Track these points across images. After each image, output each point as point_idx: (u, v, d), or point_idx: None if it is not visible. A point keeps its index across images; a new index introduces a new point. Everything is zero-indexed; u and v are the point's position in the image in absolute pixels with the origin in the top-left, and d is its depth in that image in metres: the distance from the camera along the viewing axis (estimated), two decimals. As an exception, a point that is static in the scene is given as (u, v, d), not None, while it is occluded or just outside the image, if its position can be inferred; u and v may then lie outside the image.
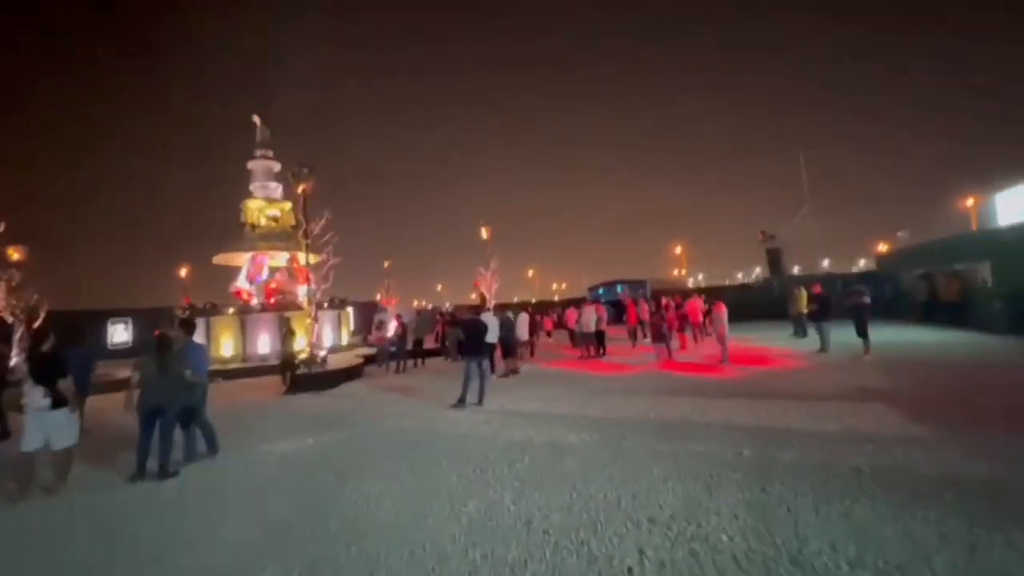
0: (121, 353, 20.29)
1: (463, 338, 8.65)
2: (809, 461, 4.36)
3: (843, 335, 10.78)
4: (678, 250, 61.46)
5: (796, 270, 28.89)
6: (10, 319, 17.39)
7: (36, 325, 18.04)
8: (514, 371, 11.08)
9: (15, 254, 17.84)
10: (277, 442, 6.40)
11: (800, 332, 14.28)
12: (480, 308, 8.31)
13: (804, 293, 14.03)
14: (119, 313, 24.01)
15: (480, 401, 7.85)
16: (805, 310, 13.77)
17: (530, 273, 64.83)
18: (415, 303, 43.11)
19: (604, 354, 12.98)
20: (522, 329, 12.14)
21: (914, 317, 16.47)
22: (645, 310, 15.40)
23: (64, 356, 5.12)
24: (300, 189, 11.49)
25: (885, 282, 18.96)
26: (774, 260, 25.23)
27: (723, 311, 10.42)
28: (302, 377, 10.86)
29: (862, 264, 41.35)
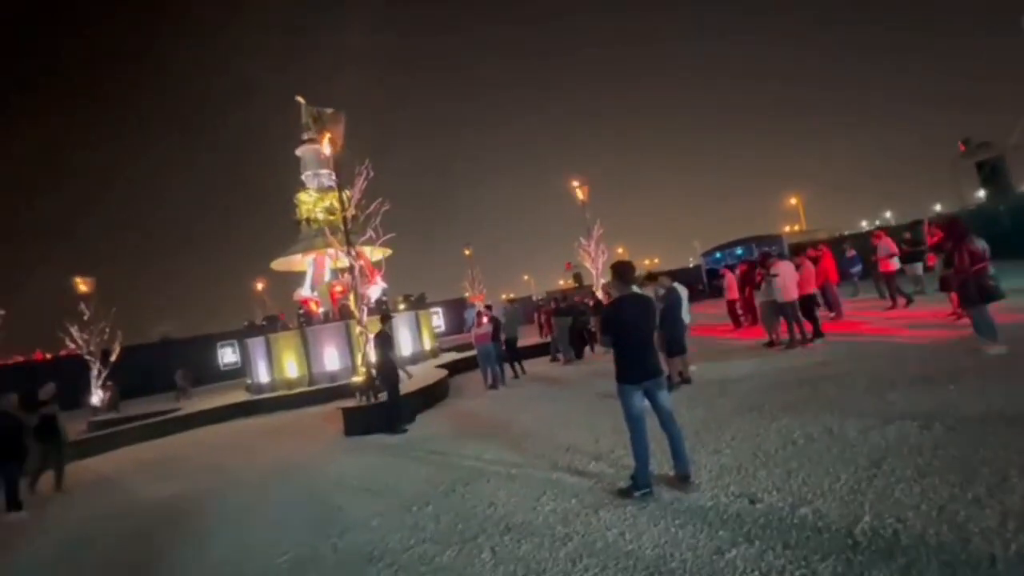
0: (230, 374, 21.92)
1: (609, 338, 4.23)
2: None
3: None
4: (793, 201, 51.98)
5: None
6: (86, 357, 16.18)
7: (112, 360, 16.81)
8: (684, 379, 6.63)
9: (83, 286, 16.68)
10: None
11: None
12: (653, 277, 3.94)
13: None
14: (225, 337, 24.49)
15: (686, 474, 3.53)
16: None
17: (620, 250, 58.59)
18: (504, 297, 39.56)
19: (821, 337, 7.96)
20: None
21: None
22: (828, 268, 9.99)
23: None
24: (325, 139, 7.95)
25: None
26: (992, 175, 17.73)
27: None
28: (354, 413, 7.32)
29: None
